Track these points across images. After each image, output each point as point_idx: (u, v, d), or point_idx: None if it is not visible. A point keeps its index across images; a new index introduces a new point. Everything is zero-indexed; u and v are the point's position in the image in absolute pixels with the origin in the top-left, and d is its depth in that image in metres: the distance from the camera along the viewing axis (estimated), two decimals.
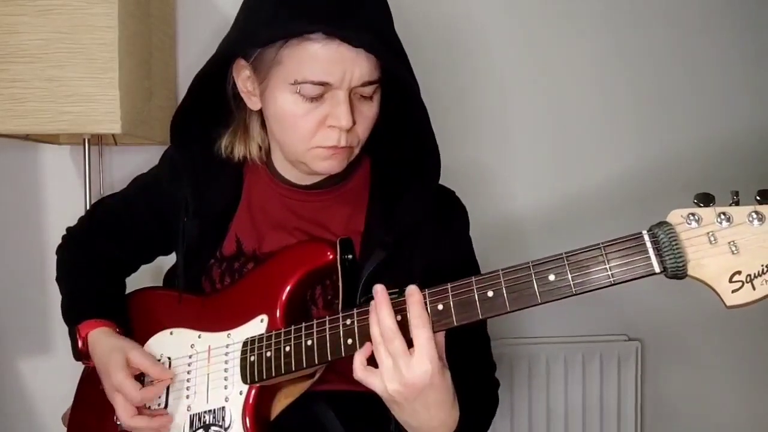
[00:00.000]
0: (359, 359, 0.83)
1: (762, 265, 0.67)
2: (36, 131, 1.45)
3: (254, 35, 0.91)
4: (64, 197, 1.79)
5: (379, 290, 0.83)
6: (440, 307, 0.81)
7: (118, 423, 1.02)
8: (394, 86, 0.96)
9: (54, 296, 1.19)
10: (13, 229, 1.82)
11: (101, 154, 1.80)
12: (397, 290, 0.84)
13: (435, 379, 0.79)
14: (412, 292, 0.81)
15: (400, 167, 1.02)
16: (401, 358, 0.79)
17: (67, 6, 1.39)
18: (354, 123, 0.92)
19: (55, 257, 1.21)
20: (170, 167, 1.12)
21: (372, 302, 0.83)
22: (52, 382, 1.78)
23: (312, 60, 0.88)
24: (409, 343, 0.80)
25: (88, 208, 1.58)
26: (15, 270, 1.81)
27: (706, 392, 2.03)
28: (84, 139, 1.61)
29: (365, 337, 0.85)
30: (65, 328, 1.11)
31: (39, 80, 1.40)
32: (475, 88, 1.92)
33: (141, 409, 0.99)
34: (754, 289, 0.68)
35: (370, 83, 0.92)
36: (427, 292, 0.82)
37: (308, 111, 0.92)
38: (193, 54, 1.80)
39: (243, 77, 0.99)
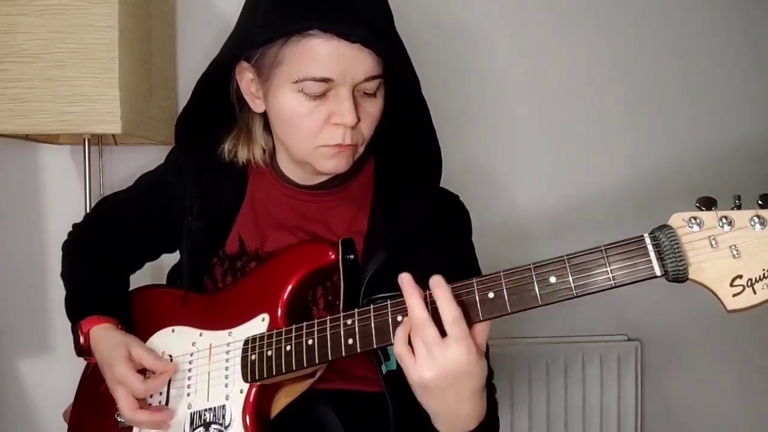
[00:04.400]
0: (402, 335, 0.80)
1: (763, 270, 0.67)
2: (36, 131, 1.45)
3: (251, 37, 0.92)
4: (64, 197, 1.79)
5: (406, 278, 0.80)
6: None
7: (119, 420, 1.02)
8: (396, 85, 0.96)
9: (54, 296, 1.20)
10: (13, 229, 1.82)
11: (101, 154, 1.79)
12: (399, 292, 0.83)
13: (472, 368, 0.78)
14: (439, 283, 0.79)
15: (404, 167, 1.03)
16: (435, 345, 0.77)
17: (67, 6, 1.39)
18: (359, 120, 0.92)
19: (55, 256, 1.22)
20: (175, 167, 1.12)
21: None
22: (52, 381, 1.78)
23: (312, 56, 0.89)
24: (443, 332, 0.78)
25: (88, 208, 1.59)
26: (15, 270, 1.81)
27: (705, 392, 2.03)
28: (84, 139, 1.61)
29: (366, 337, 0.85)
30: (65, 328, 1.10)
31: (39, 80, 1.40)
32: (479, 90, 1.92)
33: (142, 405, 0.99)
34: (754, 293, 0.67)
35: (373, 78, 0.92)
36: (427, 293, 0.82)
37: (312, 109, 0.92)
38: (193, 54, 1.80)
39: (246, 80, 0.99)
